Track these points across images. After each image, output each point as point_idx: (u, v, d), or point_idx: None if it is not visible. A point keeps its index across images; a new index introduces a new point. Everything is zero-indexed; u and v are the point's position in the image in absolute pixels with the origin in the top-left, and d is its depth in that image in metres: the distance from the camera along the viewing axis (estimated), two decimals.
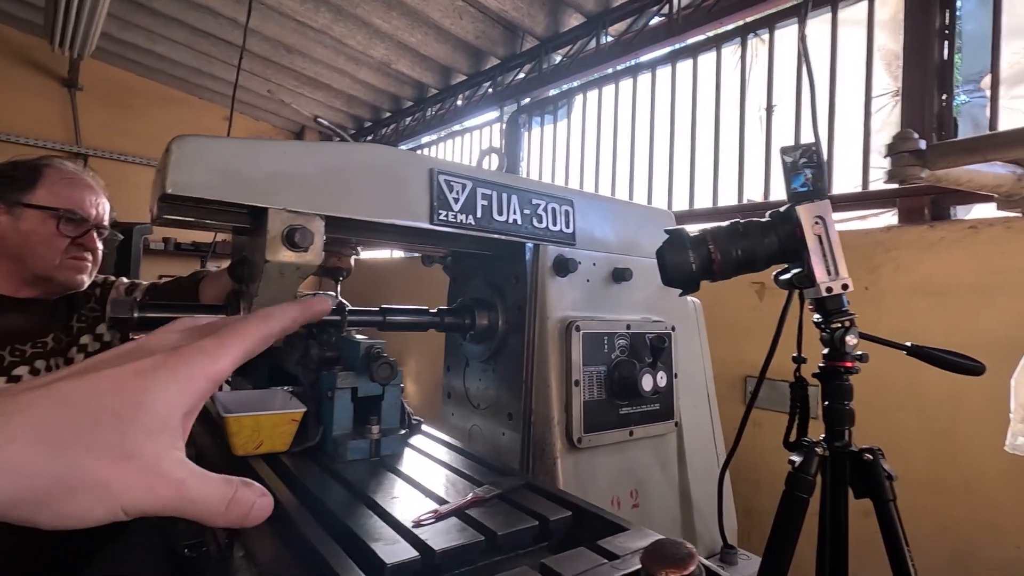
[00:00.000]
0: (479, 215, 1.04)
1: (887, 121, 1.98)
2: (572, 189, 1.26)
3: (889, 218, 1.92)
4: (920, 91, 1.82)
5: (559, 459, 1.10)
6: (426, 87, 4.31)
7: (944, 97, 1.79)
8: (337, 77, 4.29)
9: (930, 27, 1.82)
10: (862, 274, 1.89)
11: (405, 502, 0.72)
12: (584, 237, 1.23)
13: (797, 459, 0.82)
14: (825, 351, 0.85)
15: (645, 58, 2.78)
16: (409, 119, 4.65)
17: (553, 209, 1.17)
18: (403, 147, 4.98)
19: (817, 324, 0.86)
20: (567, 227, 1.19)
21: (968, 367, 0.81)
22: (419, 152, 4.91)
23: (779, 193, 2.28)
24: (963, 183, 1.21)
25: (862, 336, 0.82)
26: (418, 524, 0.64)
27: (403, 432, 1.03)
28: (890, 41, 1.96)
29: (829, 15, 2.08)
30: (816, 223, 0.83)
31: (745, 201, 2.32)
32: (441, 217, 0.99)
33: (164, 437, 0.31)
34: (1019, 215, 1.47)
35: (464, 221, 1.02)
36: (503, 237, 1.08)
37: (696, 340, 1.48)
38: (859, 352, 0.82)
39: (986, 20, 1.76)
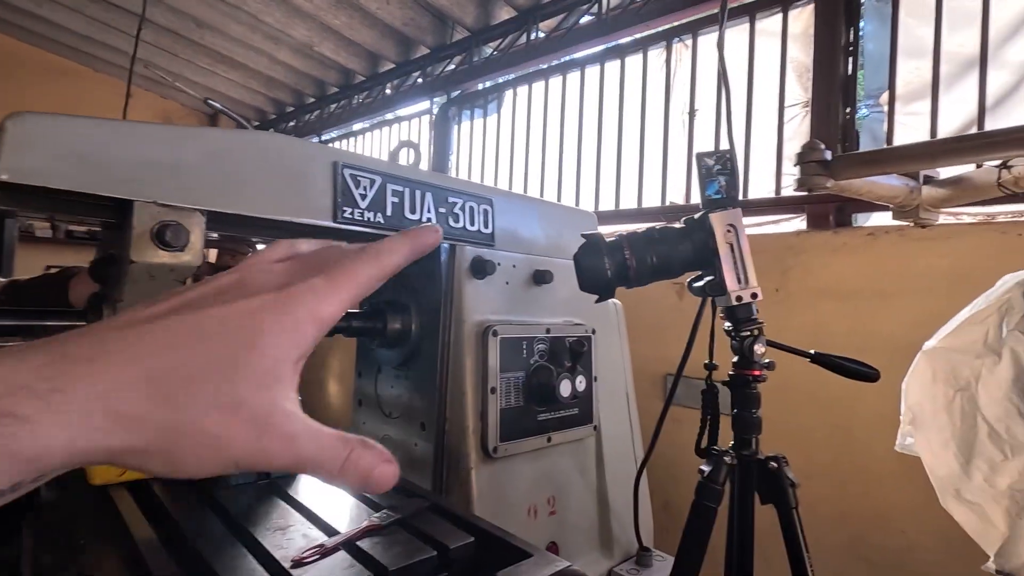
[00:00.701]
0: (389, 213, 0.97)
1: (798, 131, 2.08)
2: (492, 187, 1.21)
3: (799, 223, 2.01)
4: (827, 103, 1.91)
5: (473, 470, 1.06)
6: (352, 73, 4.12)
7: (848, 110, 1.89)
8: (254, 56, 4.02)
9: (836, 42, 1.92)
10: (775, 276, 1.98)
11: (289, 534, 0.65)
12: (504, 238, 1.19)
13: (706, 468, 0.82)
14: (734, 359, 0.86)
15: (575, 56, 2.78)
16: (335, 106, 4.44)
17: (471, 208, 1.12)
18: (329, 135, 4.75)
19: (728, 332, 0.86)
20: (486, 227, 1.14)
21: (864, 374, 0.83)
22: (339, 143, 4.71)
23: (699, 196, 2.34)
24: (863, 193, 1.27)
25: (770, 344, 0.83)
26: (299, 563, 0.57)
27: None
28: (802, 54, 2.05)
29: (747, 25, 2.15)
30: (728, 231, 0.83)
31: (668, 203, 2.37)
32: (346, 215, 0.91)
33: (276, 387, 0.29)
34: (911, 224, 1.57)
35: (372, 219, 0.95)
36: None
37: (617, 342, 1.48)
38: (767, 360, 0.83)
39: (885, 40, 1.87)
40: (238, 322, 0.28)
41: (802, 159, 1.16)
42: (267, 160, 0.85)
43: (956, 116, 1.71)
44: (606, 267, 0.84)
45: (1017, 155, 0.90)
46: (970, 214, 1.67)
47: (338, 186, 0.91)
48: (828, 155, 1.14)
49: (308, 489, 0.84)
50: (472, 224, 1.11)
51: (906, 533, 1.73)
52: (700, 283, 0.87)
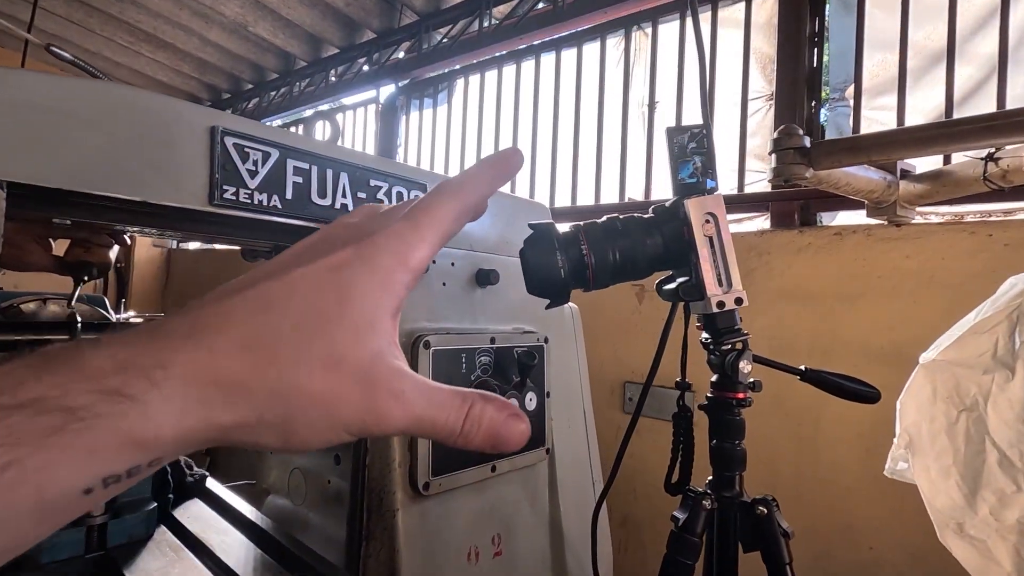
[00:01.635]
0: (289, 196, 0.77)
1: (761, 124, 1.99)
2: (426, 171, 1.03)
3: (763, 222, 1.91)
4: (792, 96, 1.82)
5: (400, 511, 0.87)
6: (293, 58, 3.84)
7: (813, 104, 1.80)
8: (182, 36, 3.67)
9: (801, 33, 1.83)
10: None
11: None
12: None
13: (680, 515, 0.66)
14: (713, 378, 0.70)
15: (530, 43, 2.62)
16: (274, 93, 4.13)
17: (399, 194, 0.93)
18: (269, 124, 4.44)
19: (705, 344, 0.71)
20: None
21: (864, 395, 0.70)
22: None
23: (660, 191, 2.22)
24: (841, 186, 1.15)
25: (756, 360, 0.68)
26: None
27: (152, 506, 0.72)
28: (765, 44, 1.96)
29: (709, 14, 2.05)
30: (707, 221, 0.67)
31: (627, 199, 2.24)
32: (227, 196, 0.71)
33: (376, 340, 0.27)
34: (883, 222, 1.47)
35: (266, 203, 0.75)
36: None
37: (572, 350, 1.32)
38: (752, 379, 0.68)
39: (849, 31, 1.79)
40: (325, 277, 0.27)
41: (779, 146, 1.03)
42: (114, 120, 0.64)
43: (923, 111, 1.63)
44: (559, 265, 0.67)
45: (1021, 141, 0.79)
46: (938, 214, 1.60)
47: (217, 159, 0.70)
48: (807, 142, 1.01)
49: (156, 564, 0.63)
50: None
51: (874, 549, 1.65)
52: (671, 285, 0.72)
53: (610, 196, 2.32)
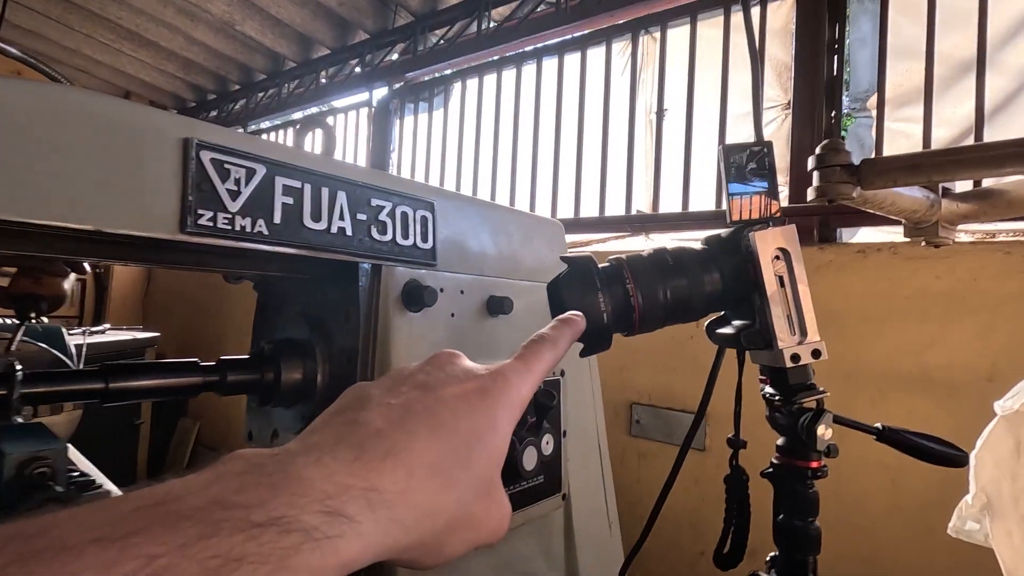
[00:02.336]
0: (278, 220, 0.66)
1: (776, 135, 1.90)
2: (433, 187, 0.91)
3: None
4: (809, 106, 1.73)
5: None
6: (282, 58, 3.71)
7: (833, 114, 1.71)
8: (167, 34, 3.53)
9: (819, 39, 1.74)
10: None
11: None
12: (449, 254, 0.89)
13: None
14: (780, 441, 0.59)
15: (531, 47, 2.51)
16: (262, 95, 3.99)
17: (404, 215, 0.81)
18: (258, 125, 4.29)
19: (769, 400, 0.60)
20: (424, 241, 0.84)
21: (951, 458, 0.60)
22: (268, 136, 4.26)
23: (668, 204, 2.12)
24: (886, 206, 1.05)
25: (836, 420, 0.57)
26: None
27: None
28: (781, 51, 1.87)
29: (722, 18, 1.96)
30: (777, 258, 0.57)
31: (635, 211, 2.14)
32: (203, 222, 0.59)
33: (500, 466, 0.32)
34: (923, 243, 1.38)
35: (249, 230, 0.63)
36: (320, 255, 0.70)
37: (588, 381, 1.21)
38: (829, 441, 0.57)
39: (872, 39, 1.70)
40: (476, 400, 0.30)
41: (823, 162, 0.92)
42: (65, 130, 0.52)
43: (950, 123, 1.55)
44: (601, 307, 0.57)
45: None
46: (968, 231, 1.52)
47: (191, 177, 0.59)
48: (855, 159, 0.91)
49: None
50: (406, 237, 0.81)
51: None
52: (727, 329, 0.61)
53: (615, 208, 2.22)
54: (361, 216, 0.75)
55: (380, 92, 3.26)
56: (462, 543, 0.29)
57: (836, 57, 1.74)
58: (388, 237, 0.79)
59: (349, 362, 0.77)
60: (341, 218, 0.73)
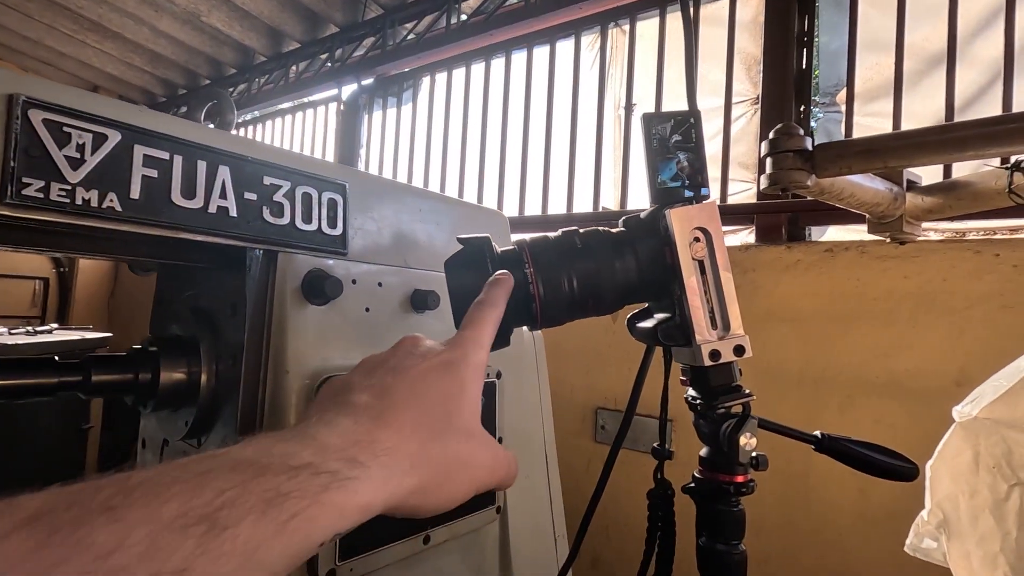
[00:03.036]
0: (136, 195, 0.57)
1: (745, 131, 1.84)
2: (349, 169, 0.83)
3: (746, 236, 1.76)
4: (780, 99, 1.67)
5: None
6: (252, 52, 3.61)
7: (803, 108, 1.65)
8: (131, 25, 3.41)
9: (789, 32, 1.69)
10: None
11: None
12: (365, 243, 0.81)
13: None
14: (703, 452, 0.52)
15: (500, 39, 2.44)
16: (232, 90, 3.88)
17: (306, 196, 0.73)
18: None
19: (692, 404, 0.52)
20: (332, 226, 0.76)
21: (898, 471, 0.52)
22: (241, 131, 4.15)
23: (636, 202, 2.05)
24: (844, 197, 0.99)
25: (762, 425, 0.50)
26: None
27: None
28: (751, 44, 1.82)
29: (691, 10, 1.89)
30: (696, 239, 0.49)
31: (601, 208, 2.07)
32: (29, 192, 0.50)
33: (479, 417, 0.37)
34: (881, 239, 1.32)
35: (96, 205, 0.54)
36: (195, 238, 0.62)
37: (533, 383, 1.13)
38: (756, 454, 0.49)
39: (841, 32, 1.65)
40: (444, 371, 0.36)
41: (775, 148, 0.86)
42: None
43: (920, 118, 1.50)
44: None
45: None
46: (938, 230, 1.46)
47: (17, 141, 0.50)
48: (809, 144, 0.85)
49: None
50: (308, 221, 0.73)
51: None
52: (647, 323, 0.54)
53: (584, 205, 2.14)
54: (250, 196, 0.67)
55: (350, 87, 3.17)
56: (463, 484, 0.34)
57: (805, 50, 1.68)
58: (285, 221, 0.70)
59: (235, 361, 0.68)
60: (223, 196, 0.64)
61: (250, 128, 4.10)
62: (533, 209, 2.28)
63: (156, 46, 3.67)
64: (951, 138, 0.71)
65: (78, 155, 0.53)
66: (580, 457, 2.07)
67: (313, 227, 0.73)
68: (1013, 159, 0.90)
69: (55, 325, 2.57)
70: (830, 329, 1.55)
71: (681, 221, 0.49)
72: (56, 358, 0.63)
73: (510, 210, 2.37)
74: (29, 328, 2.29)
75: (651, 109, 1.97)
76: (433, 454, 0.33)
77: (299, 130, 3.68)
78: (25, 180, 0.50)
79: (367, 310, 0.80)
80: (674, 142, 0.55)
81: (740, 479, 0.49)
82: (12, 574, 0.19)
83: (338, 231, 0.77)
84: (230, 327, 0.71)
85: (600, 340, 1.95)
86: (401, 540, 0.77)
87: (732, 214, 1.78)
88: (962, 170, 1.26)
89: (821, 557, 1.55)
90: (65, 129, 0.53)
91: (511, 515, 0.97)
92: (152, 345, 0.70)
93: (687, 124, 0.55)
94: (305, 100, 3.60)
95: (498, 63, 2.51)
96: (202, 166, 0.62)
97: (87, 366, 0.64)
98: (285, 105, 3.74)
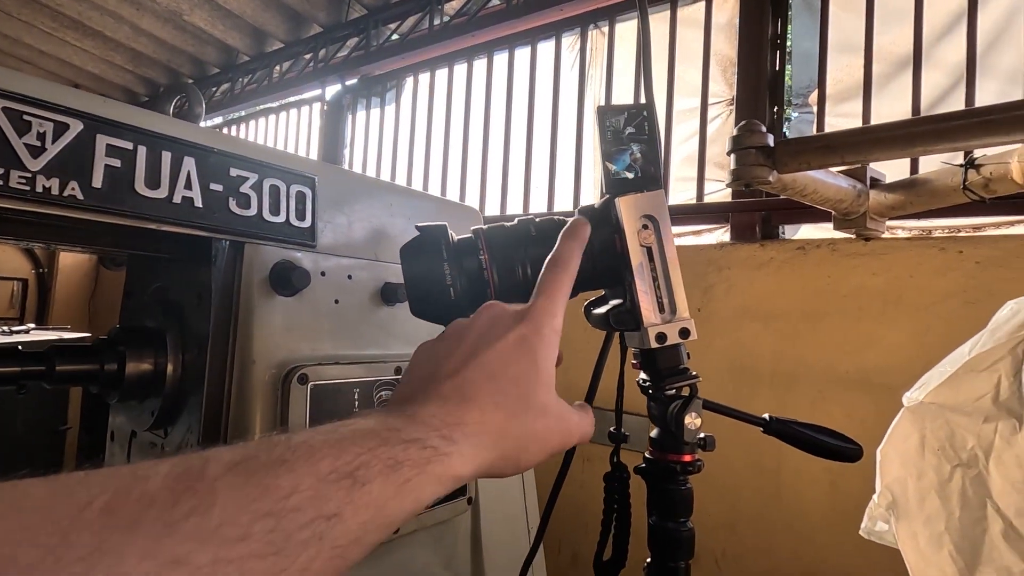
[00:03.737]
0: (98, 184, 0.57)
1: (721, 131, 1.87)
2: (317, 162, 0.84)
3: (722, 235, 1.79)
4: (754, 100, 1.70)
5: None
6: (235, 52, 3.59)
7: (776, 109, 1.69)
8: (111, 23, 3.39)
9: (763, 35, 1.72)
10: (696, 294, 1.73)
11: None
12: (334, 235, 0.82)
13: None
14: (653, 432, 0.53)
15: (482, 40, 2.46)
16: (215, 89, 3.87)
17: (274, 188, 0.74)
18: (212, 122, 4.15)
19: (643, 388, 0.54)
20: (300, 218, 0.77)
21: (842, 452, 0.54)
22: (225, 131, 4.13)
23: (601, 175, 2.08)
24: (808, 194, 1.01)
25: (707, 407, 0.52)
26: None
27: None
28: (726, 47, 1.85)
29: (668, 12, 1.93)
30: (644, 227, 0.51)
31: (581, 206, 2.08)
32: None
33: (553, 388, 0.40)
34: (850, 236, 1.36)
35: (56, 193, 0.55)
36: (161, 228, 0.62)
37: None
38: (702, 435, 0.51)
39: (813, 35, 1.69)
40: (517, 348, 0.39)
41: (739, 144, 0.88)
42: None
43: (889, 119, 1.53)
44: (447, 281, 0.50)
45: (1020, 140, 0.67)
46: (905, 228, 1.50)
47: None
48: (771, 140, 0.87)
49: None
50: (276, 213, 0.74)
51: None
52: (601, 309, 0.55)
53: (564, 203, 2.16)
54: (216, 187, 0.67)
55: (334, 88, 3.17)
56: (537, 453, 0.38)
57: (779, 52, 1.72)
58: (252, 212, 0.71)
59: (200, 351, 0.69)
60: (188, 187, 0.65)
61: (234, 128, 4.08)
62: (515, 208, 2.30)
63: (137, 44, 3.64)
64: (902, 134, 0.74)
65: (39, 143, 0.54)
66: (558, 455, 2.08)
67: (281, 219, 0.74)
68: (967, 157, 0.93)
69: (32, 325, 2.54)
70: (802, 325, 1.58)
71: (630, 209, 0.51)
72: (20, 347, 0.63)
73: (492, 209, 2.38)
74: (5, 328, 2.26)
75: None
76: (512, 431, 0.36)
77: (283, 130, 3.66)
78: None
79: (336, 302, 0.81)
80: (628, 134, 0.56)
81: (687, 459, 0.51)
82: (233, 501, 0.24)
83: (307, 223, 0.77)
84: (196, 317, 0.72)
85: (576, 337, 1.97)
86: None
87: (708, 212, 1.80)
88: (928, 167, 1.30)
89: (795, 550, 1.58)
90: (25, 118, 0.53)
91: (483, 506, 0.98)
92: (119, 336, 0.70)
93: (640, 116, 0.56)
94: (289, 100, 3.59)
95: (480, 64, 2.52)
96: (167, 156, 0.63)
97: (51, 356, 0.65)
98: (269, 105, 3.72)
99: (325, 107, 3.19)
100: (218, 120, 4.08)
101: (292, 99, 3.56)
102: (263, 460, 0.26)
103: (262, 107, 3.81)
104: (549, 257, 0.45)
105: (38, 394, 2.37)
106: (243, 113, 3.98)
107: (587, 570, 1.98)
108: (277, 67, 3.44)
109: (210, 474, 0.25)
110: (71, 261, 4.38)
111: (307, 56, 3.26)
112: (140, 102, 4.45)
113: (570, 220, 0.48)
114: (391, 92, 2.92)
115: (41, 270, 4.28)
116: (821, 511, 1.54)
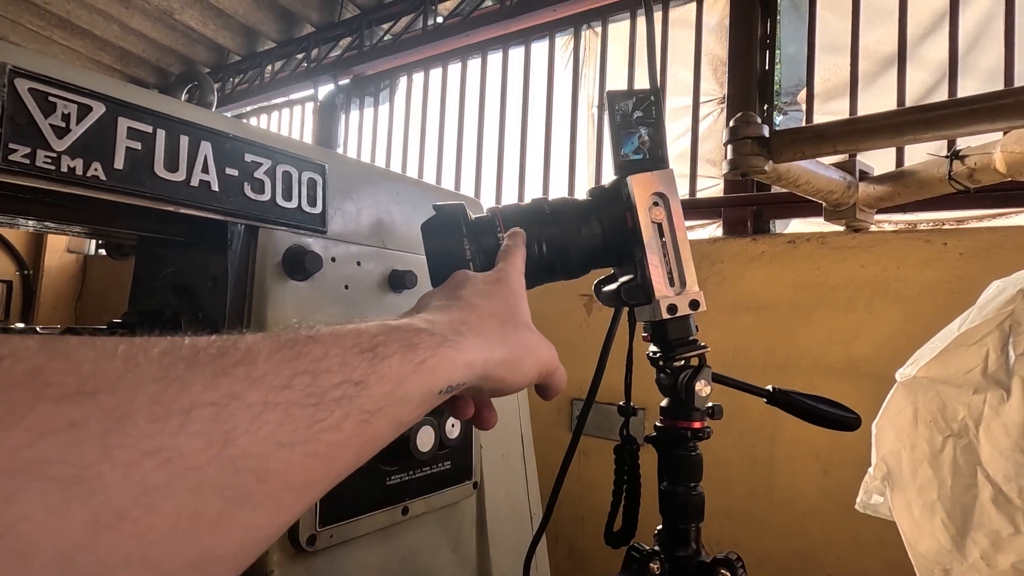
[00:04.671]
0: (120, 165, 0.59)
1: (712, 129, 1.91)
2: (329, 151, 0.86)
3: (714, 230, 1.82)
4: (744, 99, 1.74)
5: (275, 573, 0.69)
6: (226, 51, 3.58)
7: (766, 107, 1.73)
8: (100, 22, 3.36)
9: (752, 35, 1.76)
10: None
11: None
12: (344, 222, 0.84)
13: None
14: (664, 403, 0.56)
15: (476, 40, 2.48)
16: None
17: (287, 174, 0.75)
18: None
19: (653, 360, 0.56)
20: (312, 204, 0.78)
21: (841, 421, 0.57)
22: None
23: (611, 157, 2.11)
24: (800, 184, 1.05)
25: (716, 379, 0.54)
26: None
27: None
28: (717, 47, 1.89)
29: (660, 13, 1.96)
30: (655, 204, 0.53)
31: None
32: (16, 159, 0.52)
33: (528, 318, 0.45)
34: (838, 229, 1.39)
35: (81, 173, 0.56)
36: (179, 210, 0.63)
37: None
38: (711, 404, 0.53)
39: (802, 36, 1.73)
40: (498, 283, 0.45)
41: (735, 135, 0.91)
42: None
43: None
44: (466, 256, 0.52)
45: (1008, 126, 0.70)
46: (892, 221, 1.55)
47: (4, 108, 0.51)
48: (767, 131, 0.90)
49: None
50: (288, 198, 0.75)
51: None
52: (612, 286, 0.57)
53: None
54: (231, 171, 0.69)
55: (326, 87, 3.17)
56: (534, 364, 0.42)
57: (768, 52, 1.76)
58: (266, 197, 0.72)
59: (215, 332, 0.70)
60: (205, 171, 0.66)
61: None
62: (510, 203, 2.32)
63: (126, 43, 3.61)
64: (890, 124, 0.77)
65: (63, 124, 0.55)
66: (557, 448, 2.10)
67: (293, 204, 0.76)
68: (952, 148, 0.97)
69: (21, 325, 2.51)
70: (793, 317, 1.62)
71: (641, 186, 0.53)
72: (38, 329, 0.64)
73: (487, 203, 2.41)
74: None
75: None
76: (509, 335, 0.40)
77: (275, 129, 3.65)
78: (12, 146, 0.52)
79: (346, 287, 0.82)
80: (636, 118, 0.59)
81: (697, 425, 0.53)
82: (274, 358, 0.26)
83: (317, 210, 0.79)
84: (210, 300, 0.73)
85: (575, 333, 2.00)
86: (381, 510, 0.79)
87: (701, 208, 1.84)
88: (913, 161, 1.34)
89: (787, 536, 1.61)
90: (51, 99, 0.54)
91: (488, 491, 1.00)
92: (135, 319, 0.71)
93: (648, 101, 0.59)
94: (281, 99, 3.59)
95: (474, 63, 2.55)
96: (184, 140, 0.64)
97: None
98: (261, 104, 3.71)
99: (318, 107, 3.19)
100: None
101: (284, 99, 3.55)
102: (292, 335, 0.29)
103: (254, 107, 3.80)
104: (504, 244, 0.51)
105: None
106: (234, 113, 3.96)
107: (583, 561, 2.00)
108: (269, 66, 3.44)
109: (248, 339, 0.27)
110: (57, 262, 4.32)
111: (299, 56, 3.26)
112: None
113: (512, 230, 0.54)
114: (385, 92, 2.94)
115: (26, 272, 4.22)
116: (812, 498, 1.57)
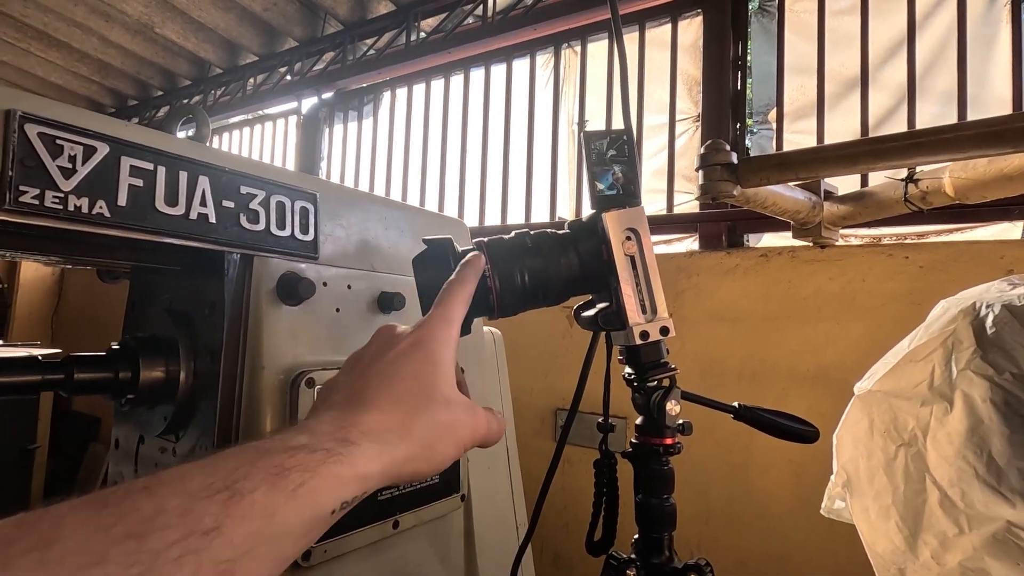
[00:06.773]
0: (123, 202, 0.62)
1: (688, 146, 1.98)
2: (319, 180, 0.89)
3: (691, 243, 1.89)
4: (718, 117, 1.82)
5: None
6: (208, 64, 3.58)
7: (738, 125, 1.80)
8: (79, 34, 3.34)
9: (725, 56, 1.84)
10: (667, 300, 1.81)
11: None
12: (335, 248, 0.87)
13: None
14: (638, 421, 0.60)
15: (458, 57, 2.53)
16: (187, 101, 3.84)
17: (280, 204, 0.79)
18: (183, 133, 4.11)
19: (628, 381, 0.61)
20: (304, 232, 0.82)
21: (800, 434, 0.62)
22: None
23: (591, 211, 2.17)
24: (768, 206, 1.11)
25: (685, 397, 0.59)
26: None
27: None
28: (691, 66, 1.96)
29: (637, 33, 2.03)
30: (628, 238, 0.58)
31: (557, 218, 2.17)
32: (26, 200, 0.55)
33: (454, 384, 0.41)
34: (808, 244, 1.46)
35: (86, 211, 0.59)
36: (178, 242, 0.67)
37: (494, 382, 1.20)
38: (681, 421, 0.58)
39: (771, 57, 1.81)
40: (416, 351, 0.40)
41: (706, 161, 0.97)
42: None
43: (841, 135, 1.66)
44: None
45: (949, 159, 0.77)
46: (858, 236, 1.62)
47: (14, 152, 0.54)
48: (735, 158, 0.96)
49: None
50: (281, 227, 0.79)
51: None
52: (590, 312, 0.62)
53: (541, 215, 2.24)
54: (228, 204, 0.72)
55: (310, 101, 3.19)
56: (450, 446, 0.39)
57: (740, 73, 1.84)
58: (260, 227, 0.76)
59: (213, 357, 0.73)
60: (203, 204, 0.69)
61: (214, 138, 4.04)
62: (493, 220, 2.37)
63: (105, 56, 3.59)
64: (846, 154, 0.84)
65: (70, 165, 0.58)
66: (541, 457, 2.14)
67: (287, 233, 0.79)
68: (907, 172, 1.04)
69: (0, 341, 2.48)
70: (766, 327, 1.68)
71: (615, 223, 0.58)
72: (39, 357, 0.66)
73: (470, 221, 2.45)
74: None
75: (602, 125, 2.10)
76: (417, 426, 0.36)
77: (258, 143, 3.66)
78: (22, 188, 0.55)
79: (337, 310, 0.86)
80: (610, 156, 0.64)
81: (668, 441, 0.57)
82: (83, 530, 0.23)
83: (310, 237, 0.82)
84: (207, 327, 0.76)
85: (558, 344, 2.04)
86: (371, 524, 0.82)
87: (677, 223, 1.91)
88: (876, 182, 1.42)
89: (763, 538, 1.67)
90: (58, 142, 0.57)
91: (475, 503, 1.03)
92: (133, 345, 0.74)
93: (621, 140, 0.64)
94: (264, 113, 3.60)
95: (457, 80, 2.60)
96: (183, 176, 0.68)
97: (69, 365, 0.68)
98: (244, 117, 3.72)
99: (301, 120, 3.21)
100: (191, 132, 4.04)
101: (267, 112, 3.56)
102: (121, 492, 0.26)
103: (237, 119, 3.80)
104: (447, 280, 0.48)
105: (6, 412, 2.32)
106: (216, 125, 3.95)
107: (567, 569, 2.04)
108: (251, 79, 3.45)
109: (55, 512, 0.24)
110: (32, 276, 4.25)
111: (282, 69, 3.28)
112: (107, 113, 4.38)
113: (469, 256, 0.53)
114: (368, 106, 2.97)
115: (1, 285, 4.15)
116: (786, 500, 1.64)
